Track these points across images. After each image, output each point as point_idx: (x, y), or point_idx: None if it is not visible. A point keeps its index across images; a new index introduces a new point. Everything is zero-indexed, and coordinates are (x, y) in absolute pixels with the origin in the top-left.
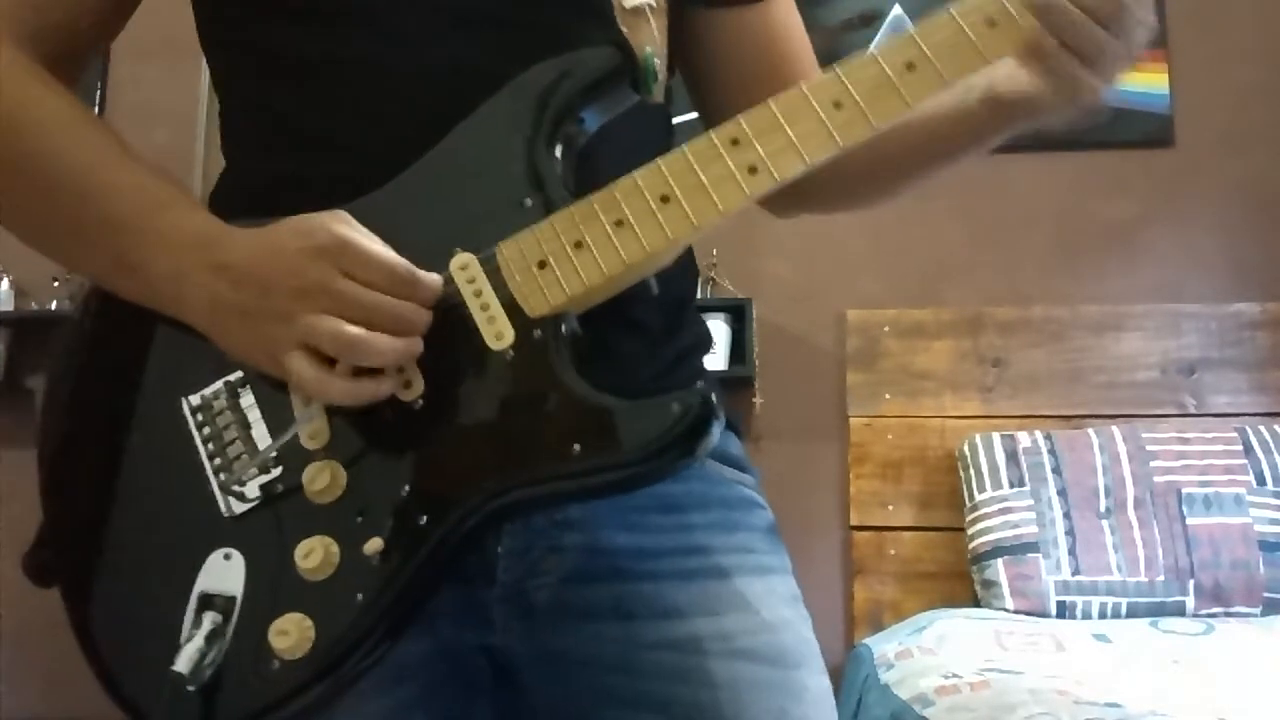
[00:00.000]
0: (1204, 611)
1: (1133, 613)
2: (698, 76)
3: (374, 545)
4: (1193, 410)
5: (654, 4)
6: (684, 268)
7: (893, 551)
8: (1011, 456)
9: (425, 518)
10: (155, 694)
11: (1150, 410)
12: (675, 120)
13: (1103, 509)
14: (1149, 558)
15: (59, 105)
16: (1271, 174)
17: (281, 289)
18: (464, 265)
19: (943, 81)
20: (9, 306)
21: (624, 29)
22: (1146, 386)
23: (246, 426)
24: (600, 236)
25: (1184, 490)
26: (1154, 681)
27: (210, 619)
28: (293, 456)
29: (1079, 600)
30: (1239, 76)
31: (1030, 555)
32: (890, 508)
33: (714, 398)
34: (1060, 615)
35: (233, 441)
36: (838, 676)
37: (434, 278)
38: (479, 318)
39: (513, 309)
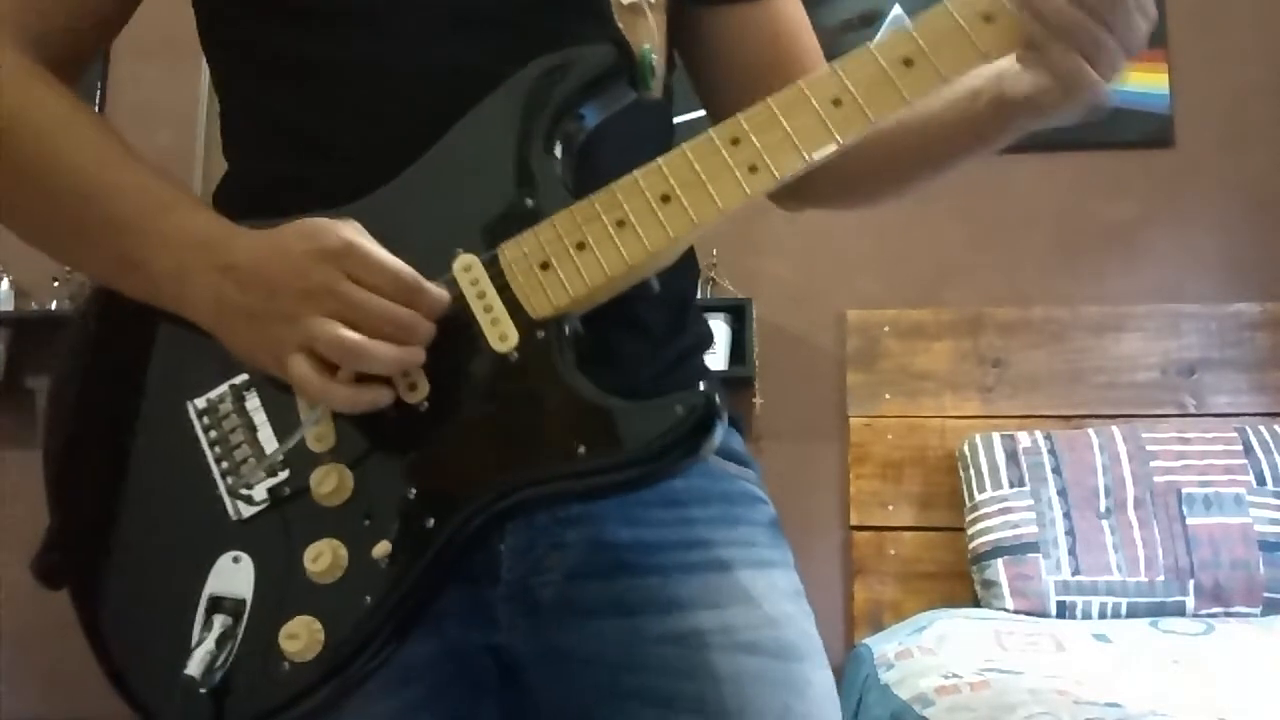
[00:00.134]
0: (1204, 611)
1: (1133, 613)
2: (704, 73)
3: (382, 548)
4: (1193, 410)
5: (652, 0)
6: (685, 267)
7: (893, 551)
8: (1011, 456)
9: (432, 520)
10: (165, 694)
11: (1150, 410)
12: (676, 120)
13: (1103, 509)
14: (1149, 558)
15: (61, 106)
16: (1271, 174)
17: (287, 290)
18: (467, 266)
19: (940, 77)
20: (9, 306)
21: (621, 26)
22: (1146, 387)
23: (253, 430)
24: (602, 236)
25: (1184, 490)
26: (1154, 681)
27: (220, 622)
28: (300, 459)
29: (1079, 600)
30: (1239, 76)
31: (1030, 555)
32: (890, 508)
33: (717, 398)
34: (1060, 615)
35: (239, 445)
36: (838, 676)
37: (440, 291)
38: (482, 319)
39: (516, 310)
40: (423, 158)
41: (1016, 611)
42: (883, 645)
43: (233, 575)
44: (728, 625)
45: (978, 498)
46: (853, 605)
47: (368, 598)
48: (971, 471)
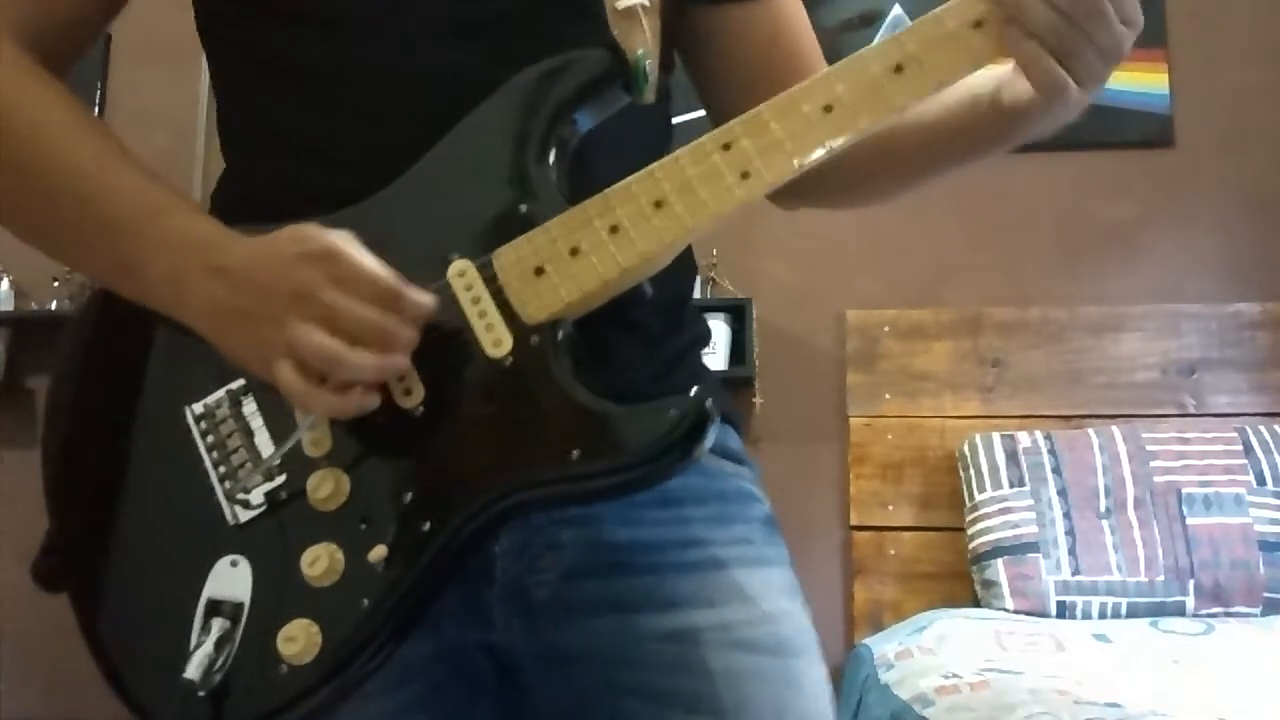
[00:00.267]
0: (1204, 611)
1: (1133, 613)
2: (704, 73)
3: (378, 553)
4: (1193, 410)
5: (646, 4)
6: (682, 266)
7: (893, 551)
8: (1011, 456)
9: (428, 524)
10: (164, 697)
11: (1150, 410)
12: (676, 120)
13: (1103, 509)
14: (1149, 558)
15: (60, 106)
16: (1271, 174)
17: (273, 292)
18: (461, 272)
19: (932, 84)
20: (9, 306)
21: (616, 31)
22: (1146, 387)
23: (250, 434)
24: (596, 242)
25: (1184, 490)
26: (1154, 681)
27: (218, 625)
28: (296, 464)
29: (1079, 600)
30: (1239, 76)
31: (1030, 555)
32: (890, 508)
33: (709, 403)
34: (1060, 615)
35: (236, 450)
36: (838, 676)
37: (425, 297)
38: (477, 325)
39: (510, 316)
40: (418, 163)
41: (1016, 611)
42: (883, 645)
43: (230, 579)
44: (724, 623)
45: (978, 498)
46: (853, 605)
47: (365, 601)
48: (971, 471)
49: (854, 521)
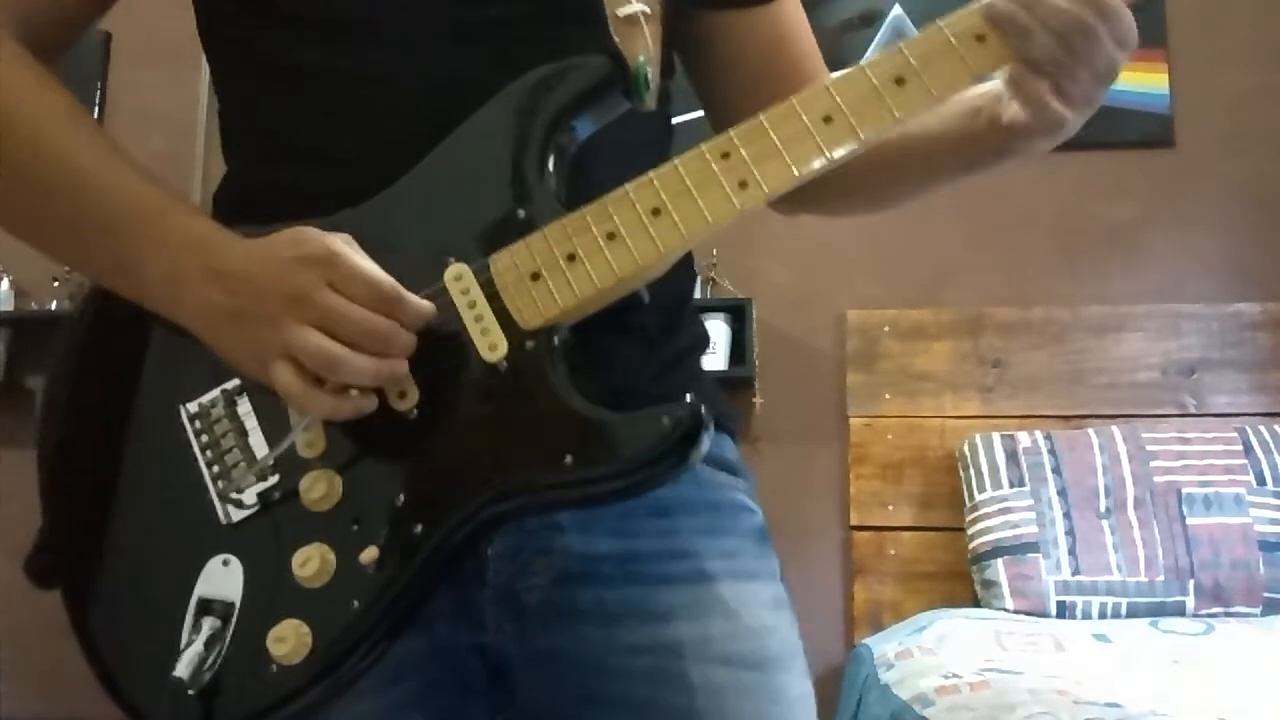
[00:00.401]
0: (1204, 611)
1: (1133, 613)
2: (705, 78)
3: (370, 554)
4: (1193, 410)
5: (648, 11)
6: (681, 269)
7: (893, 551)
8: (1011, 457)
9: (420, 526)
10: (156, 696)
11: (1150, 410)
12: (676, 120)
13: (1103, 509)
14: (1149, 558)
15: (57, 104)
16: (1271, 174)
17: (270, 294)
18: (458, 276)
19: (931, 97)
20: (9, 306)
21: (617, 37)
22: (1147, 387)
23: (244, 434)
24: (592, 248)
25: (1184, 490)
26: (1154, 681)
27: (209, 624)
28: (290, 465)
29: (1079, 600)
30: (1239, 77)
31: (1030, 555)
32: (890, 508)
33: (704, 410)
34: (1060, 615)
35: (230, 449)
36: (838, 676)
37: (423, 303)
38: (473, 329)
39: (506, 320)
40: (416, 167)
41: (1016, 611)
42: (883, 645)
43: (222, 578)
44: (708, 636)
45: (978, 498)
46: (853, 605)
47: (355, 603)
48: (971, 471)
49: (854, 521)
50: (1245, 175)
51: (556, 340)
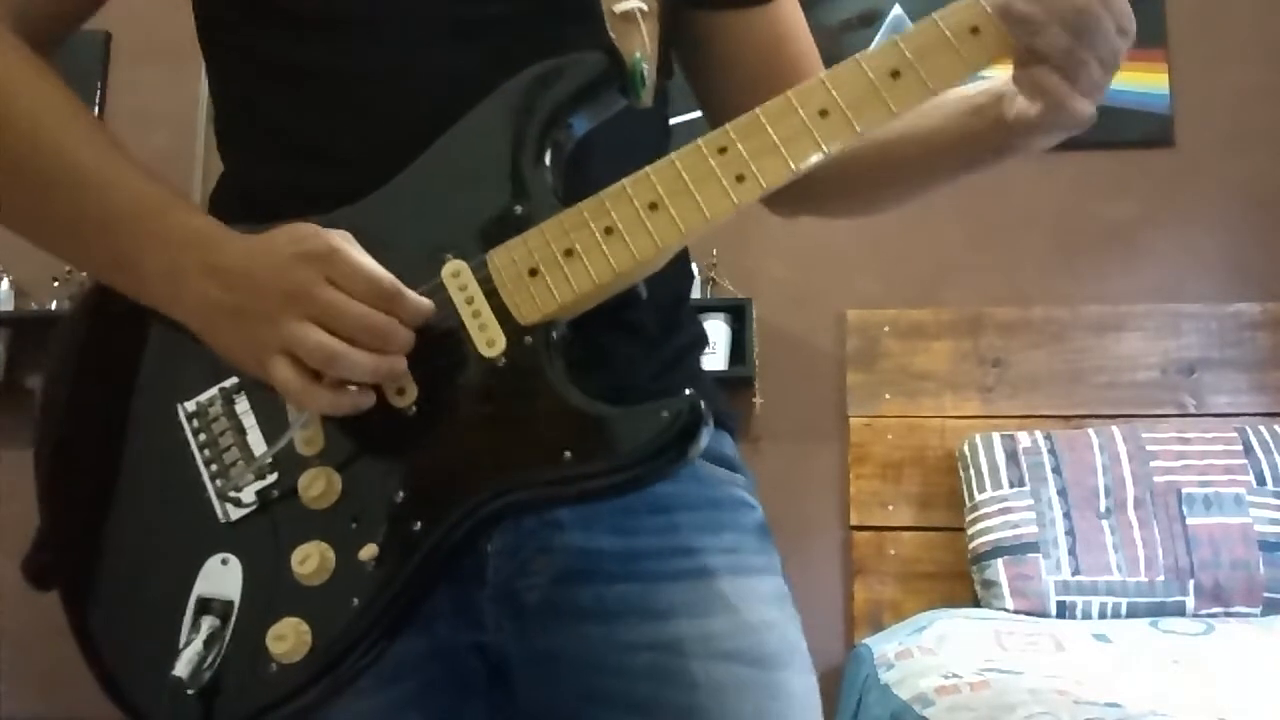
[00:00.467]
0: (1204, 611)
1: (1133, 613)
2: (702, 78)
3: (369, 551)
4: (1193, 410)
5: (644, 8)
6: (678, 268)
7: (893, 551)
8: (1011, 456)
9: (419, 524)
10: (155, 696)
11: (1150, 410)
12: (674, 121)
13: (1103, 509)
14: (1149, 558)
15: (56, 98)
16: (1271, 174)
17: (269, 291)
18: (456, 272)
19: (928, 89)
20: (9, 306)
21: (614, 34)
22: (1146, 386)
23: (242, 433)
24: (590, 244)
25: (1184, 490)
26: (1154, 681)
27: (208, 623)
28: (288, 462)
29: (1079, 600)
30: (1239, 76)
31: (1030, 555)
32: (890, 508)
33: (702, 404)
34: (1060, 615)
35: (229, 448)
36: (838, 676)
37: (422, 299)
38: (470, 325)
39: (504, 316)
40: (414, 164)
41: (1016, 611)
42: (883, 645)
43: (221, 577)
44: (708, 633)
45: (978, 498)
46: (853, 605)
47: (355, 600)
48: (971, 471)
49: (854, 521)
50: (1245, 175)
51: (555, 336)
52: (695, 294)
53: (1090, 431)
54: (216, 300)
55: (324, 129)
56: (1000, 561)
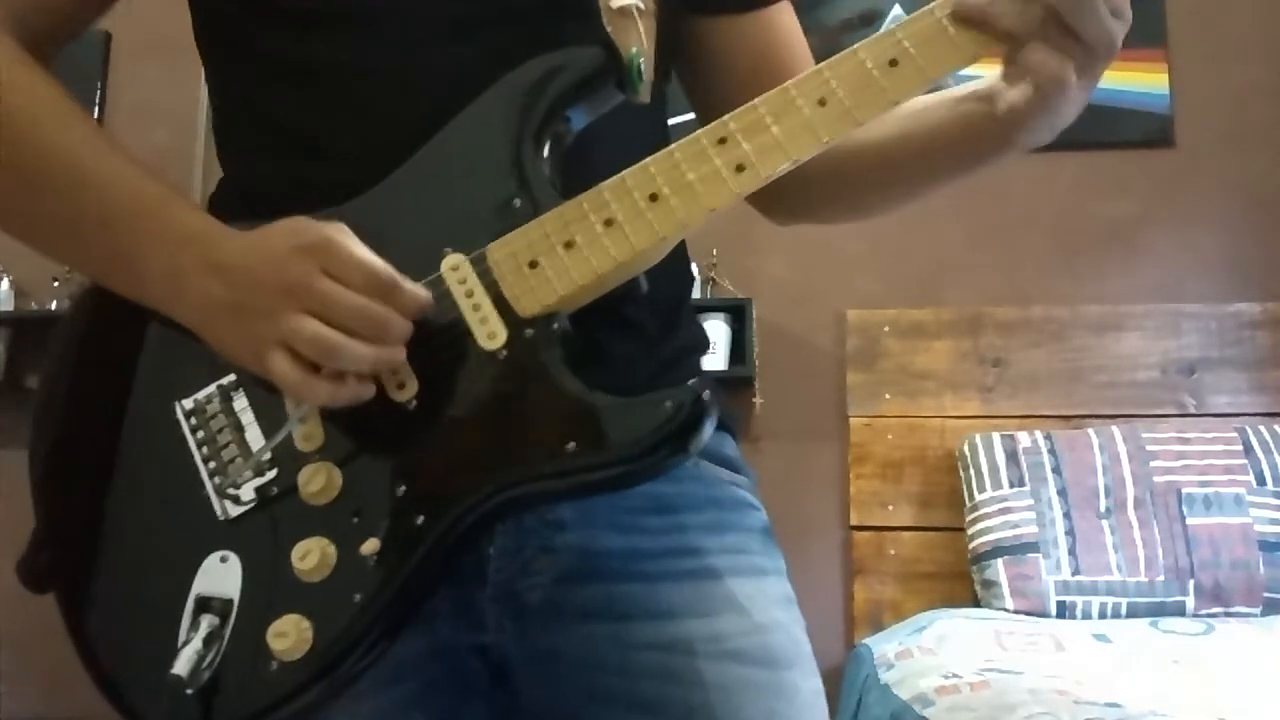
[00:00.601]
0: (1204, 611)
1: (1133, 613)
2: (696, 83)
3: (371, 546)
4: (1193, 410)
5: (641, 6)
6: (679, 269)
7: (893, 551)
8: (1011, 456)
9: (421, 518)
10: (153, 696)
11: (1150, 410)
12: (672, 121)
13: (1103, 509)
14: (1149, 558)
15: (53, 99)
16: (1271, 174)
17: (266, 285)
18: (455, 266)
19: (925, 77)
20: (9, 306)
21: (610, 29)
22: (1146, 386)
23: (240, 430)
24: (590, 236)
25: (1184, 490)
26: (1154, 681)
27: (208, 622)
28: (287, 459)
29: (1079, 600)
30: (1239, 76)
31: (1030, 555)
32: (890, 508)
33: (707, 395)
34: (1060, 615)
35: (227, 445)
36: (838, 676)
37: (420, 289)
38: (471, 318)
39: (504, 309)
40: (412, 158)
41: (1016, 611)
42: (883, 645)
43: (220, 575)
44: (716, 633)
45: (978, 498)
46: (853, 605)
47: (357, 596)
48: (971, 471)
49: (854, 521)
50: (1245, 175)
51: (556, 328)
52: (695, 294)
53: (1090, 431)
54: (217, 297)
55: (324, 127)
56: (1000, 561)
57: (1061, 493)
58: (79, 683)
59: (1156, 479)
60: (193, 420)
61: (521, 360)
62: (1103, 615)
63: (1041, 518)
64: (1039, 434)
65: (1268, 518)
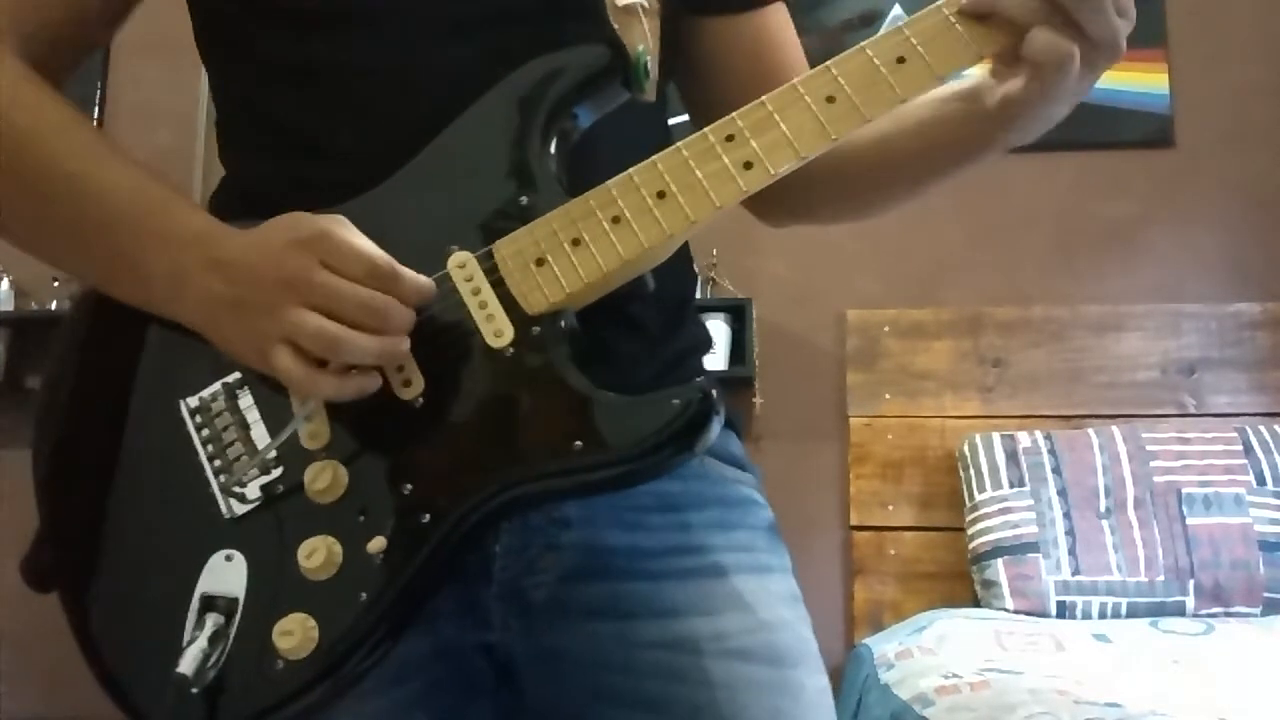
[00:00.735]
0: (1204, 611)
1: (1133, 613)
2: (690, 84)
3: (377, 544)
4: (1193, 410)
5: (646, 4)
6: (682, 269)
7: (893, 551)
8: (1011, 456)
9: (427, 516)
10: (158, 696)
11: (1150, 410)
12: (672, 122)
13: (1103, 509)
14: (1149, 558)
15: (53, 108)
16: (1271, 174)
17: (266, 280)
18: (462, 264)
19: (933, 74)
20: (9, 306)
21: (616, 26)
22: (1146, 386)
23: (245, 427)
24: (598, 233)
25: (1184, 490)
26: (1154, 681)
27: (213, 620)
28: (293, 457)
29: (1079, 600)
30: (1239, 76)
31: (1030, 555)
32: (890, 508)
33: (714, 393)
34: (1060, 615)
35: (232, 443)
36: (838, 676)
37: (420, 278)
38: (478, 316)
39: (511, 307)
40: (418, 156)
41: (1016, 611)
42: (883, 645)
43: (225, 573)
44: (721, 631)
45: (978, 498)
46: (853, 605)
47: (363, 594)
48: (971, 471)
49: (854, 521)
50: (1245, 175)
51: (563, 325)
52: (696, 295)
53: (1090, 431)
54: (219, 294)
55: (325, 126)
56: (1000, 561)
57: (1061, 493)
58: (79, 683)
59: (1156, 479)
60: (198, 418)
61: (528, 358)
62: (1103, 615)
63: (1041, 518)
64: (1039, 434)
65: (1268, 518)
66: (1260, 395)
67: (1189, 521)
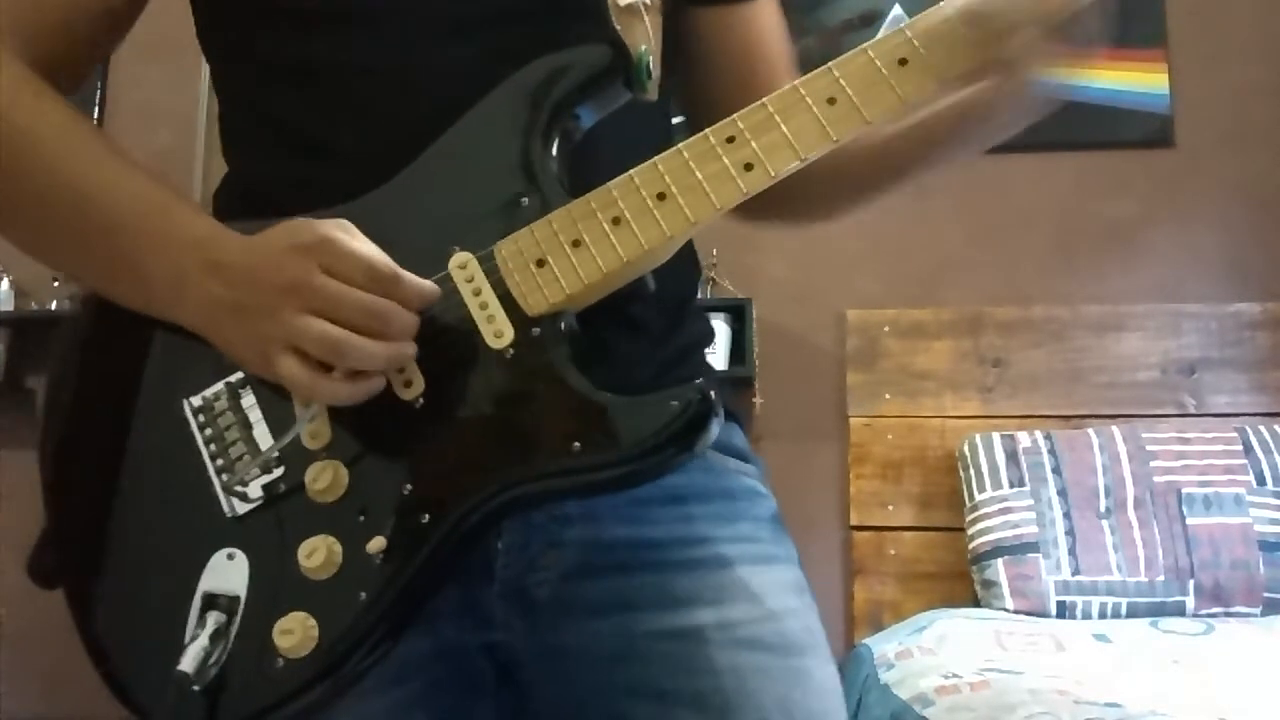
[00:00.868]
0: (1204, 611)
1: (1133, 613)
2: (684, 79)
3: (377, 544)
4: (1193, 410)
5: (648, 2)
6: (685, 266)
7: (893, 551)
8: (1011, 456)
9: (427, 516)
10: (160, 694)
11: (1150, 410)
12: (673, 122)
13: (1103, 509)
14: (1149, 558)
15: (53, 111)
16: (1271, 174)
17: (267, 285)
18: (462, 264)
19: (936, 77)
20: (9, 306)
21: (618, 26)
22: (1146, 386)
23: (248, 427)
24: (598, 234)
25: (1184, 490)
26: (1154, 681)
27: (214, 619)
28: (295, 456)
29: (1079, 600)
30: (1239, 76)
31: (1030, 555)
32: (890, 508)
33: (713, 394)
34: (1060, 615)
35: (235, 442)
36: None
37: (422, 281)
38: (478, 316)
39: (512, 307)
40: (419, 158)
41: (1016, 611)
42: (883, 645)
43: (227, 572)
44: (728, 621)
45: (978, 498)
46: (853, 605)
47: (363, 594)
48: (971, 471)
49: (854, 521)
50: (1245, 175)
51: (563, 326)
52: (697, 293)
53: (1090, 431)
54: (219, 297)
55: (326, 126)
56: (1000, 561)
57: (1061, 493)
58: (79, 683)
59: (1156, 479)
60: (200, 418)
61: (528, 359)
62: (1103, 615)
63: (1041, 518)
64: (1039, 434)
65: (1268, 518)
66: (1260, 395)
67: (1189, 521)
